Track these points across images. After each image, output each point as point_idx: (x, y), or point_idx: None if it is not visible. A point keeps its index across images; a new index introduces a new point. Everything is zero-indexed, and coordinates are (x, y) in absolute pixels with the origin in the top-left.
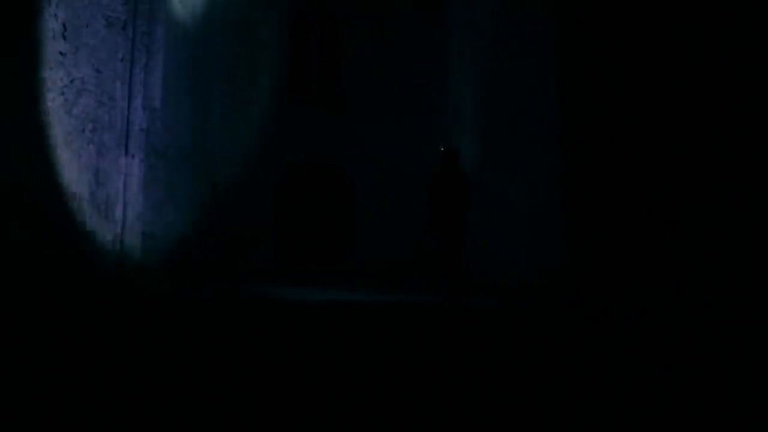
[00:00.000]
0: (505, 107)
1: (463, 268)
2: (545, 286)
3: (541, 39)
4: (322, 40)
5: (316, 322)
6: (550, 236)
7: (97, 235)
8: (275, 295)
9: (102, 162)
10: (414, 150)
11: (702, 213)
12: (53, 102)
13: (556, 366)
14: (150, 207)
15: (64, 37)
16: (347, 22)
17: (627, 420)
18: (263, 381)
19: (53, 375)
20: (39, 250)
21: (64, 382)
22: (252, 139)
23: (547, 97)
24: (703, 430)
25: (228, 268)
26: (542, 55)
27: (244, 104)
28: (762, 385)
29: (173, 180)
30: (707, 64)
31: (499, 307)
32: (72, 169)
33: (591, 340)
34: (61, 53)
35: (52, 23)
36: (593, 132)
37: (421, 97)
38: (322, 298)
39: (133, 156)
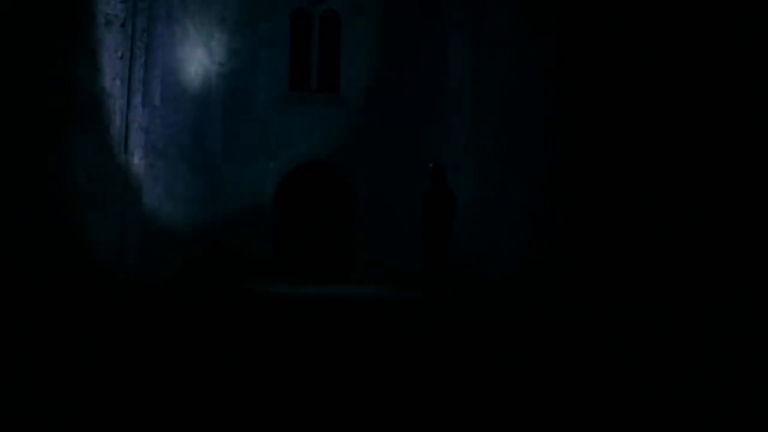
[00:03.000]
0: (504, 107)
1: (447, 270)
2: (543, 286)
3: (541, 38)
4: (323, 37)
5: (306, 319)
6: (548, 236)
7: (97, 232)
8: (274, 293)
9: (102, 159)
10: (415, 149)
11: (703, 213)
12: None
13: (543, 369)
14: (150, 205)
15: None
16: (348, 19)
17: (623, 422)
18: (252, 376)
19: (56, 364)
20: (39, 247)
21: (64, 372)
22: (251, 137)
23: (546, 97)
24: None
25: (228, 266)
26: (541, 54)
27: (243, 103)
28: (761, 387)
29: (173, 178)
30: (707, 62)
31: (492, 308)
32: (71, 166)
33: (586, 343)
34: None
35: None
36: (592, 131)
37: (422, 96)
38: (315, 296)
39: (132, 153)
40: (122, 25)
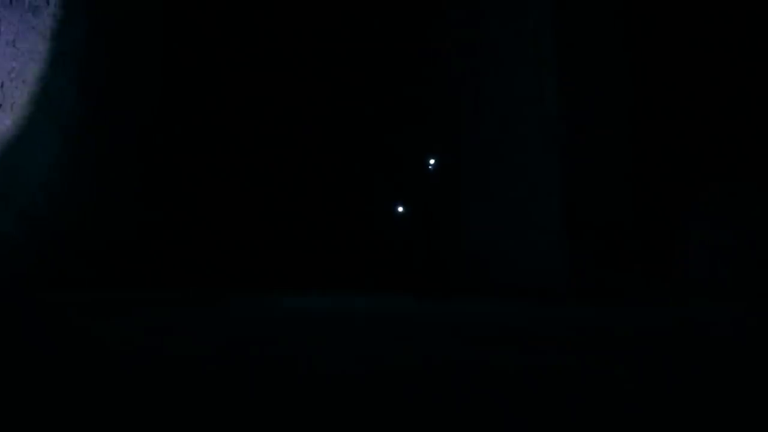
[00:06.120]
0: (505, 103)
1: (447, 269)
2: (544, 285)
3: (541, 32)
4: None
5: (306, 327)
6: (549, 235)
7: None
8: (275, 300)
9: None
10: (414, 147)
11: (703, 210)
12: None
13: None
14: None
15: None
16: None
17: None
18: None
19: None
20: None
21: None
22: (250, 136)
23: (546, 95)
24: None
25: (227, 269)
26: (542, 49)
27: (245, 102)
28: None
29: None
30: (707, 60)
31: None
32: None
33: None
34: None
35: None
36: (593, 128)
37: (421, 92)
38: (313, 303)
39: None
40: None
